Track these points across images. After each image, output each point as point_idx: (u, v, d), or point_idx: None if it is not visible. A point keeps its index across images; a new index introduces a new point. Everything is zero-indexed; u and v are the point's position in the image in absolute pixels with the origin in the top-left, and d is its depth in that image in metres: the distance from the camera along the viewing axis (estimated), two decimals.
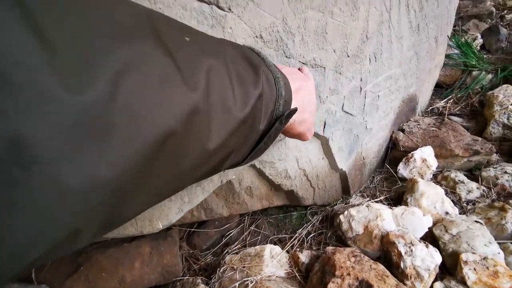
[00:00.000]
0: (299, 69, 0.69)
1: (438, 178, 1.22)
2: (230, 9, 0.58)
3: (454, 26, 2.46)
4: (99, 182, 0.20)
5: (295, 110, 0.43)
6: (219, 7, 0.56)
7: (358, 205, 0.99)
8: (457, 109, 1.86)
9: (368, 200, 1.12)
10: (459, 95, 1.97)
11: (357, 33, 0.97)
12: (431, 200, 1.02)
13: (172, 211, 0.62)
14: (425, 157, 1.18)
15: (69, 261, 0.86)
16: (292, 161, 0.90)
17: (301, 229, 1.07)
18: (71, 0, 0.22)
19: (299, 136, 0.54)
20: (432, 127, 1.44)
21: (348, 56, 0.96)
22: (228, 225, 1.10)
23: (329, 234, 0.99)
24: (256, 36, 0.64)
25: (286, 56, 0.73)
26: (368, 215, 0.93)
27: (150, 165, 0.23)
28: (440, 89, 2.12)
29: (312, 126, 0.55)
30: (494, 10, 2.65)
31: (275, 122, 0.40)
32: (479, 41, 2.34)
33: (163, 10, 0.48)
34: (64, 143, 0.18)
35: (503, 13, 2.69)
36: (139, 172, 0.22)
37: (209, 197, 0.78)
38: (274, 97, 0.39)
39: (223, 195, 0.82)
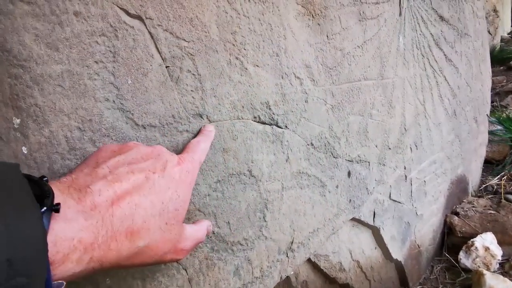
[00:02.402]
0: (200, 130, 0.51)
1: (506, 267, 1.12)
2: (286, 126, 0.70)
3: (492, 102, 2.49)
4: None
5: None
6: (278, 126, 0.68)
7: None
8: None
9: None
10: None
11: (396, 127, 1.06)
12: None
13: None
14: (487, 245, 1.12)
15: None
16: (346, 253, 0.91)
17: None
18: None
19: (160, 261, 0.37)
20: (489, 209, 1.37)
21: (390, 148, 1.03)
22: None
23: None
24: (308, 144, 0.75)
25: (334, 157, 0.82)
26: None
27: None
28: (490, 165, 2.05)
29: (180, 240, 0.38)
30: None
31: None
32: None
33: (238, 136, 0.61)
34: None
35: None
36: None
37: None
38: None
39: None
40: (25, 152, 0.40)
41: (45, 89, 0.41)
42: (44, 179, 0.29)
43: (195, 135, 0.55)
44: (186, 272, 0.54)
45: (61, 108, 0.42)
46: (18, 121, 0.39)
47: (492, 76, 2.45)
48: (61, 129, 0.42)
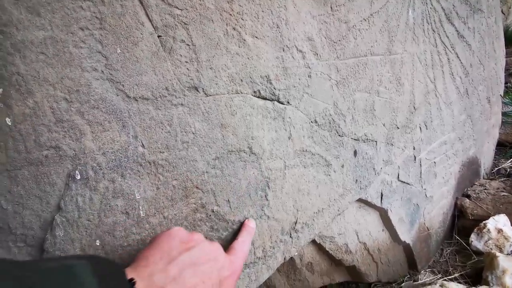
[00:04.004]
0: (243, 225, 0.58)
1: None
2: (288, 102, 0.67)
3: (506, 83, 2.39)
4: None
5: None
6: (279, 102, 0.65)
7: (430, 284, 0.91)
8: None
9: (440, 278, 1.02)
10: None
11: (404, 105, 1.02)
12: None
13: None
14: (500, 227, 1.08)
15: None
16: (352, 235, 0.89)
17: None
18: None
19: None
20: (502, 191, 1.33)
21: (398, 127, 0.99)
22: None
23: None
24: (311, 121, 0.72)
25: (339, 135, 0.79)
26: None
27: None
28: (503, 148, 1.99)
29: None
30: None
31: None
32: None
33: (237, 112, 0.58)
34: None
35: None
36: None
37: (272, 274, 0.79)
38: None
39: (284, 271, 0.82)
40: (9, 124, 0.38)
41: (27, 56, 0.38)
42: (132, 281, 0.35)
43: (238, 228, 0.58)
44: None
45: (46, 77, 0.39)
46: (0, 90, 0.37)
47: (506, 57, 2.35)
48: (46, 99, 0.40)
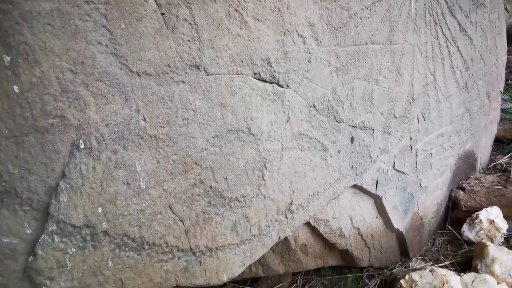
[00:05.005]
0: None
1: (511, 242, 1.10)
2: (288, 86, 0.68)
3: (506, 80, 2.39)
4: None
5: None
6: (279, 85, 0.67)
7: (420, 269, 0.93)
8: None
9: (431, 265, 1.04)
10: None
11: (403, 96, 1.03)
12: (505, 266, 0.92)
13: (235, 264, 0.66)
14: (492, 218, 1.10)
15: None
16: (346, 220, 0.91)
17: None
18: None
19: None
20: (497, 185, 1.35)
21: (396, 117, 1.01)
22: (281, 284, 1.08)
23: None
24: (310, 106, 0.73)
25: (337, 121, 0.80)
26: (432, 281, 0.86)
27: None
28: (501, 144, 2.00)
29: None
30: None
31: None
32: None
33: (236, 92, 0.59)
34: None
35: None
36: None
37: (267, 253, 0.81)
38: None
39: (279, 251, 0.85)
40: (17, 91, 0.40)
41: (34, 27, 0.40)
42: None
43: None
44: (183, 223, 0.54)
45: (52, 48, 0.41)
46: (8, 58, 0.39)
47: (508, 54, 2.34)
48: (53, 70, 0.41)
